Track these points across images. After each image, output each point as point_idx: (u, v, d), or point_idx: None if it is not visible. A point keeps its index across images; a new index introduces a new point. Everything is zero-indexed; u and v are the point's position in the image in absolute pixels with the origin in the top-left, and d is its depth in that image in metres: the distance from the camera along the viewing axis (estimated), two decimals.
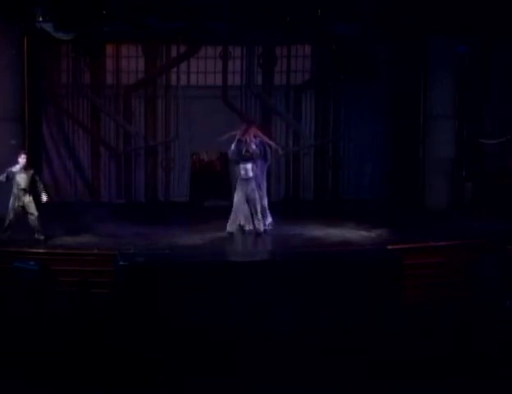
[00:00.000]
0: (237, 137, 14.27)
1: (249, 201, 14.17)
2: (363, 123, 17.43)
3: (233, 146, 14.28)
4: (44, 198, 13.49)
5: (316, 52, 17.53)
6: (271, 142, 14.87)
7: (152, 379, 8.80)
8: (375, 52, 16.73)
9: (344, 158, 17.83)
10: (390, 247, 12.71)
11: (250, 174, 14.14)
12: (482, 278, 11.72)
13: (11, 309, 10.75)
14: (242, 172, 14.13)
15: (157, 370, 8.97)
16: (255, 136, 14.43)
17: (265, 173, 14.85)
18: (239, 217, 14.26)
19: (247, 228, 14.46)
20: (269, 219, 14.69)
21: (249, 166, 14.14)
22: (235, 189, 14.48)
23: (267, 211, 14.70)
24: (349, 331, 10.21)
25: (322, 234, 14.38)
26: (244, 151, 14.14)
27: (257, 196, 14.20)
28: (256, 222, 14.21)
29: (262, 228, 14.26)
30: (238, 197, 14.20)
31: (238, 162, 14.25)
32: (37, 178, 13.69)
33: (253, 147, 14.23)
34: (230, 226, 14.19)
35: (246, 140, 14.20)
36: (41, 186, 13.63)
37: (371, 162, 17.67)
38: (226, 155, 15.33)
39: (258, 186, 14.44)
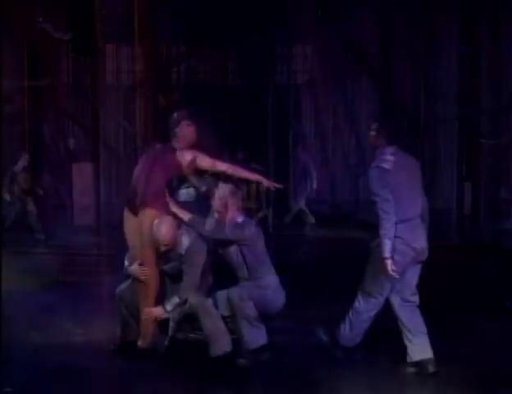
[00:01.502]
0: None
1: None
2: (362, 123, 17.44)
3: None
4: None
5: (316, 52, 17.55)
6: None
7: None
8: (375, 51, 16.75)
9: (344, 158, 17.85)
10: None
11: None
12: (482, 278, 11.71)
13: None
14: None
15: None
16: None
17: None
18: None
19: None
20: None
21: None
22: None
23: None
24: None
25: (322, 234, 14.38)
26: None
27: None
28: None
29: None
30: None
31: None
32: (36, 177, 13.82)
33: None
34: None
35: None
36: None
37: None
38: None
39: None
